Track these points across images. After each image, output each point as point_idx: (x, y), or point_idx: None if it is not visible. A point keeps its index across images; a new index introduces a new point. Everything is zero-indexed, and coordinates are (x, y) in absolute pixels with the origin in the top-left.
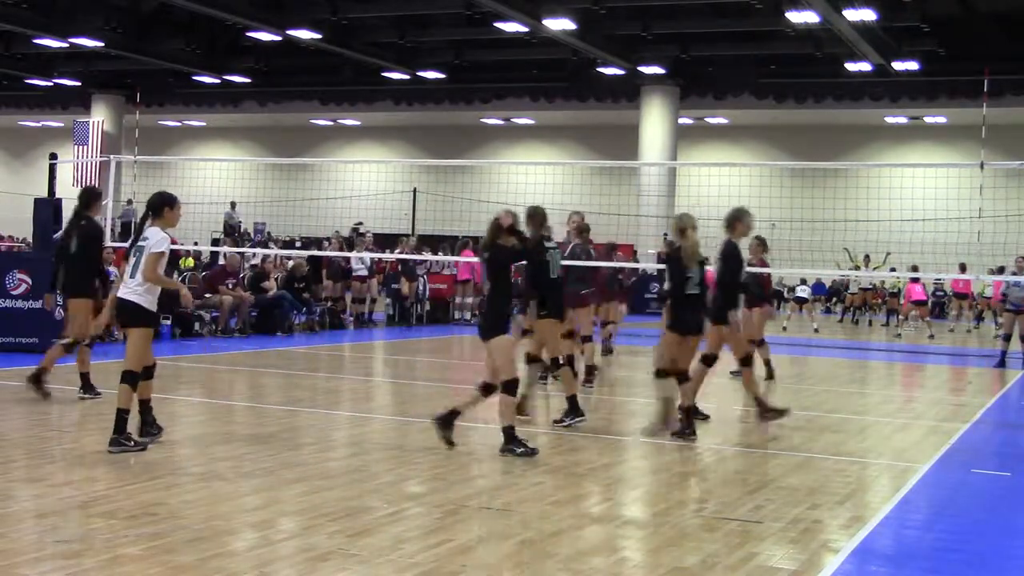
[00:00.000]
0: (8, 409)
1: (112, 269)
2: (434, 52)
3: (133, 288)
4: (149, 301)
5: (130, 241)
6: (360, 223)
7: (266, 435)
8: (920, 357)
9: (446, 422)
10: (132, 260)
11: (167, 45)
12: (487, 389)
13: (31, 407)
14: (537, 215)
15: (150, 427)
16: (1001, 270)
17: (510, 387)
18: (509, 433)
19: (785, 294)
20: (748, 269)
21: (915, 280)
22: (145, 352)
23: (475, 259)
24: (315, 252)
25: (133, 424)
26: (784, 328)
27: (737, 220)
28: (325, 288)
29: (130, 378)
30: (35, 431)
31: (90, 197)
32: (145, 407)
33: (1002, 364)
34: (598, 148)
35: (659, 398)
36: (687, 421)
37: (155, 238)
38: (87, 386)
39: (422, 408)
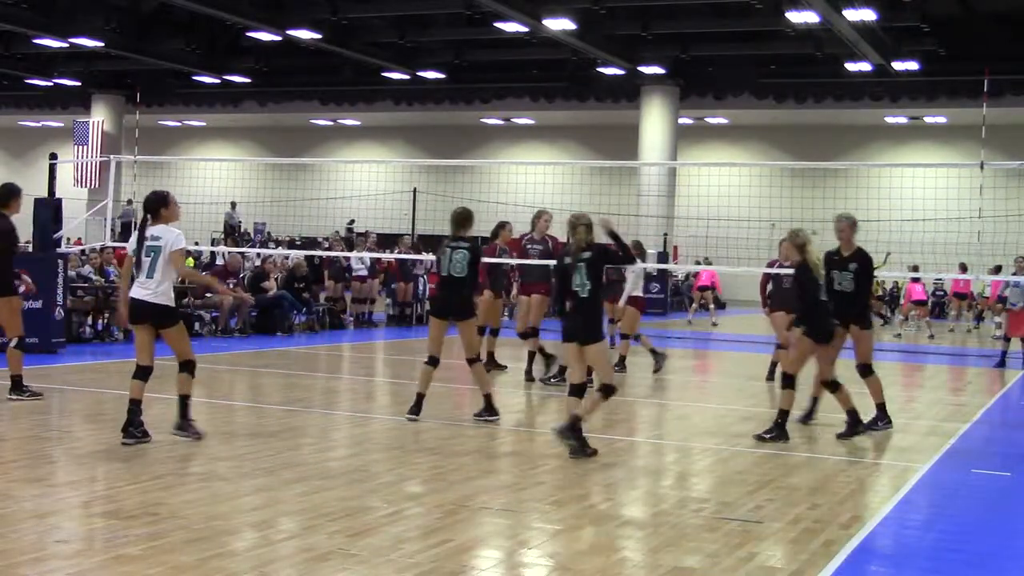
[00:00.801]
0: (8, 409)
1: (111, 268)
2: (434, 52)
3: (153, 289)
4: (171, 298)
5: (134, 242)
6: (353, 221)
7: (266, 435)
8: (920, 357)
9: (574, 433)
10: (146, 261)
11: (167, 45)
12: (582, 390)
13: (31, 407)
14: (461, 216)
15: (135, 428)
16: (998, 269)
17: (610, 391)
18: (576, 423)
19: None
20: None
21: (915, 280)
22: (185, 344)
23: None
24: (317, 252)
25: (119, 423)
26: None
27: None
28: (326, 288)
29: (190, 367)
30: (35, 431)
31: (7, 194)
32: (136, 407)
33: (1002, 364)
34: (598, 148)
35: (780, 408)
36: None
37: (169, 237)
38: None
39: (422, 408)
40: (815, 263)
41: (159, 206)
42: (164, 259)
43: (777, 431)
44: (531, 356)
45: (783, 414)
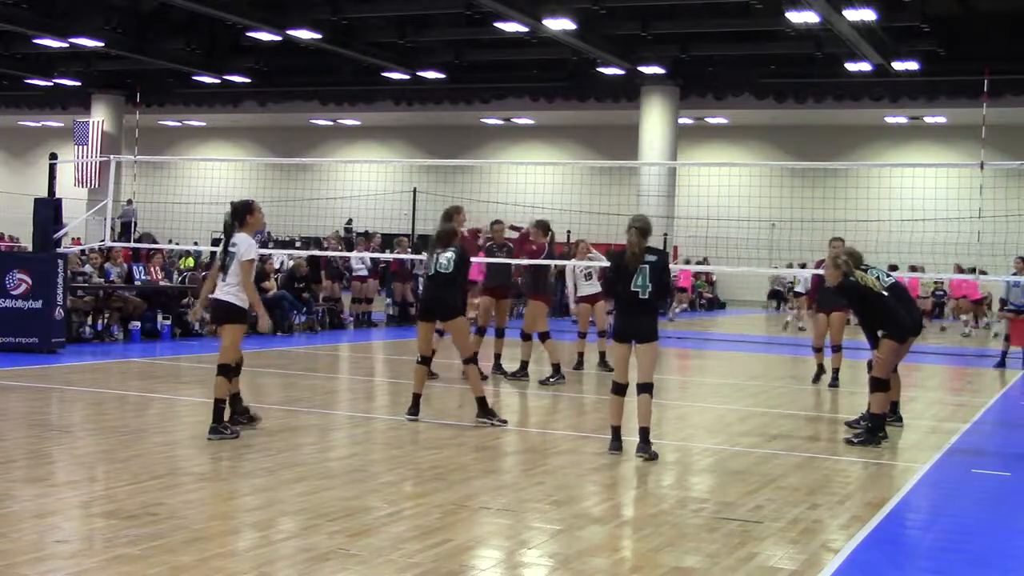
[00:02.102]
0: (8, 409)
1: (111, 268)
2: (434, 52)
3: (228, 290)
4: (242, 300)
5: (221, 247)
6: (351, 220)
7: (266, 435)
8: (920, 357)
9: (644, 441)
10: (226, 264)
11: (167, 45)
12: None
13: (31, 407)
14: (447, 234)
15: (241, 416)
16: (972, 270)
17: (650, 388)
18: (645, 435)
19: (785, 294)
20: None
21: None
22: (237, 347)
23: (475, 260)
24: (316, 252)
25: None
26: (784, 328)
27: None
28: (325, 288)
29: (225, 371)
30: (35, 431)
31: None
32: (235, 399)
33: (1002, 364)
34: (598, 148)
35: (869, 413)
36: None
37: (244, 245)
38: None
39: (423, 408)
40: (865, 280)
41: (245, 213)
42: (236, 263)
43: (868, 435)
44: (497, 357)
45: (875, 417)
